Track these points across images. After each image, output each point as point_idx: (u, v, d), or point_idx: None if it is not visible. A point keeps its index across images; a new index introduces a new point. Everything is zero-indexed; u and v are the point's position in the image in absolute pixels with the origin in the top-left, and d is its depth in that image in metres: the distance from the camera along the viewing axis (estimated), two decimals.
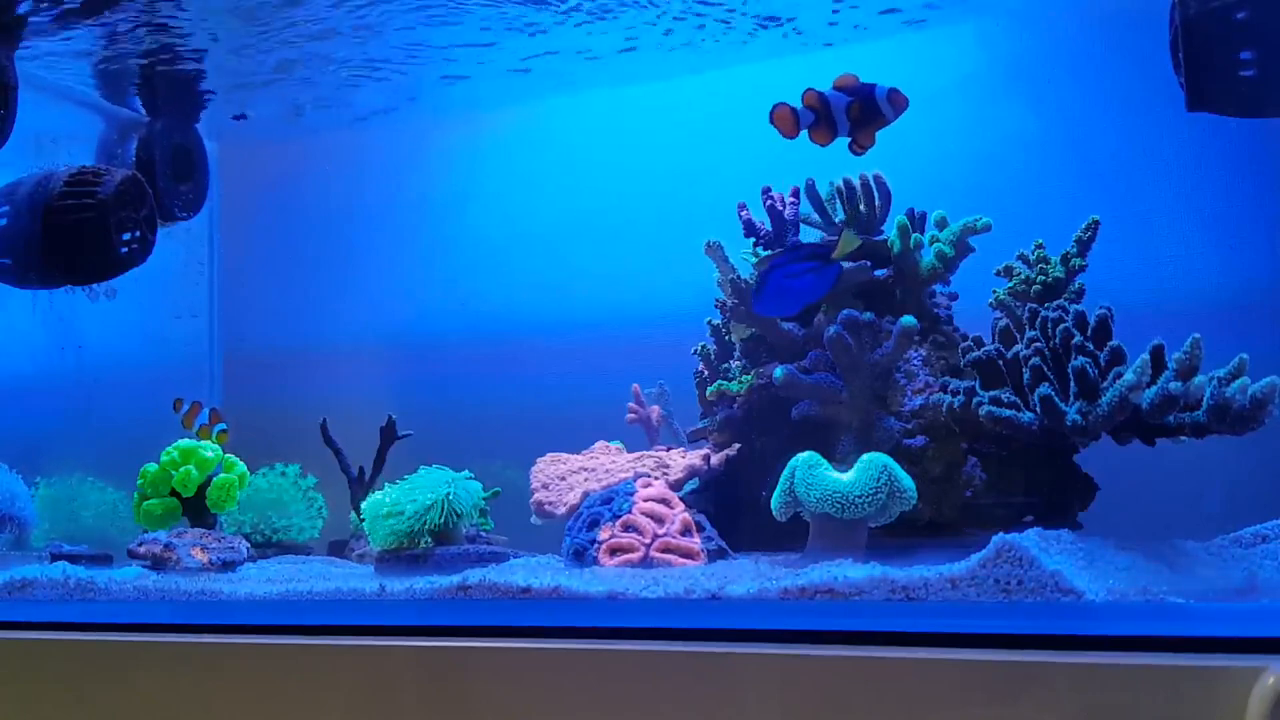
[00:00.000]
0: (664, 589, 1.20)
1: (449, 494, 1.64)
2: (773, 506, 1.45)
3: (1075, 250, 1.62)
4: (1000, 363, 1.48)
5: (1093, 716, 0.92)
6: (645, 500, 1.52)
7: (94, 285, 2.04)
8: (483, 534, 1.83)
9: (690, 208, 2.10)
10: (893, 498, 1.39)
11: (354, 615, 1.32)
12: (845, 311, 1.60)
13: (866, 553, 1.37)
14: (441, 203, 2.47)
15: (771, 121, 1.55)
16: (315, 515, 2.16)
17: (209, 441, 1.98)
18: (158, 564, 1.66)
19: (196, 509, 1.87)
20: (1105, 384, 1.38)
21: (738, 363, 1.79)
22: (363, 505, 1.70)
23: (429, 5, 1.88)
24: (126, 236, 1.89)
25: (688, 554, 1.46)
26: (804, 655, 1.02)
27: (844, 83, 1.53)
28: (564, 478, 1.79)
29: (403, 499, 1.65)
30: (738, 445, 1.72)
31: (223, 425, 2.06)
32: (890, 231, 1.73)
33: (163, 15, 1.89)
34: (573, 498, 1.70)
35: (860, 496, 1.38)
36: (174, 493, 1.86)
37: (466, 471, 1.72)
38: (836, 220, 1.80)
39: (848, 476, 1.40)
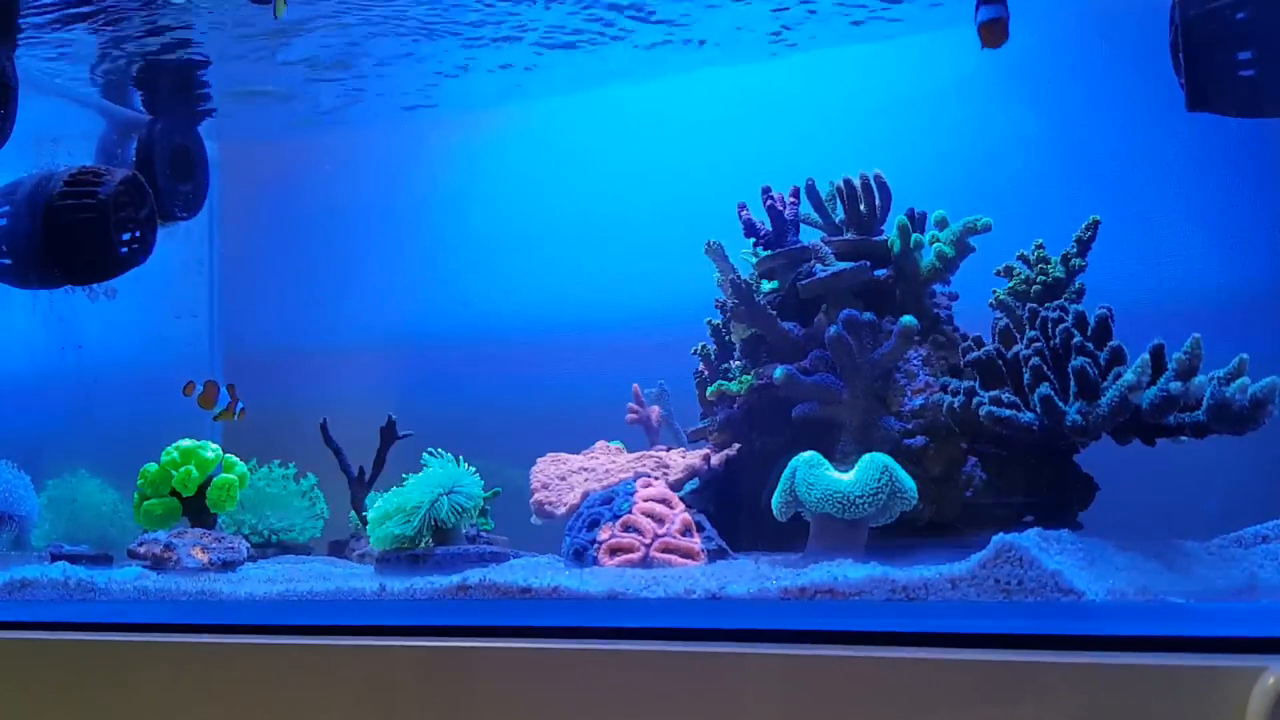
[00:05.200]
0: (664, 589, 1.20)
1: (445, 496, 1.64)
2: (773, 506, 1.45)
3: (1075, 250, 1.62)
4: (1000, 363, 1.48)
5: (1093, 716, 0.92)
6: (645, 500, 1.52)
7: (94, 285, 2.03)
8: (483, 534, 1.84)
9: (690, 208, 2.10)
10: (893, 498, 1.39)
11: (354, 615, 1.32)
12: (845, 311, 1.60)
13: (867, 553, 1.37)
14: (441, 203, 2.47)
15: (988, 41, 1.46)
16: (315, 515, 2.16)
17: (232, 420, 1.99)
18: (158, 564, 1.66)
19: (196, 509, 1.87)
20: (1105, 384, 1.38)
21: (738, 363, 1.79)
22: (367, 506, 1.71)
23: (431, 4, 1.88)
24: (126, 236, 1.89)
25: (688, 554, 1.46)
26: (804, 655, 1.02)
27: None
28: (564, 478, 1.79)
29: (404, 500, 1.65)
30: (738, 445, 1.72)
31: (240, 404, 2.06)
32: (890, 231, 1.73)
33: (163, 14, 1.89)
34: (573, 498, 1.71)
35: (861, 496, 1.38)
36: (174, 493, 1.86)
37: (462, 464, 1.72)
38: (836, 220, 1.80)
39: (849, 476, 1.40)
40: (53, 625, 1.36)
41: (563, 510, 1.71)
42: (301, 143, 2.55)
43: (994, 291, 1.66)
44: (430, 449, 1.73)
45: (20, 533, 1.95)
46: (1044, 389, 1.38)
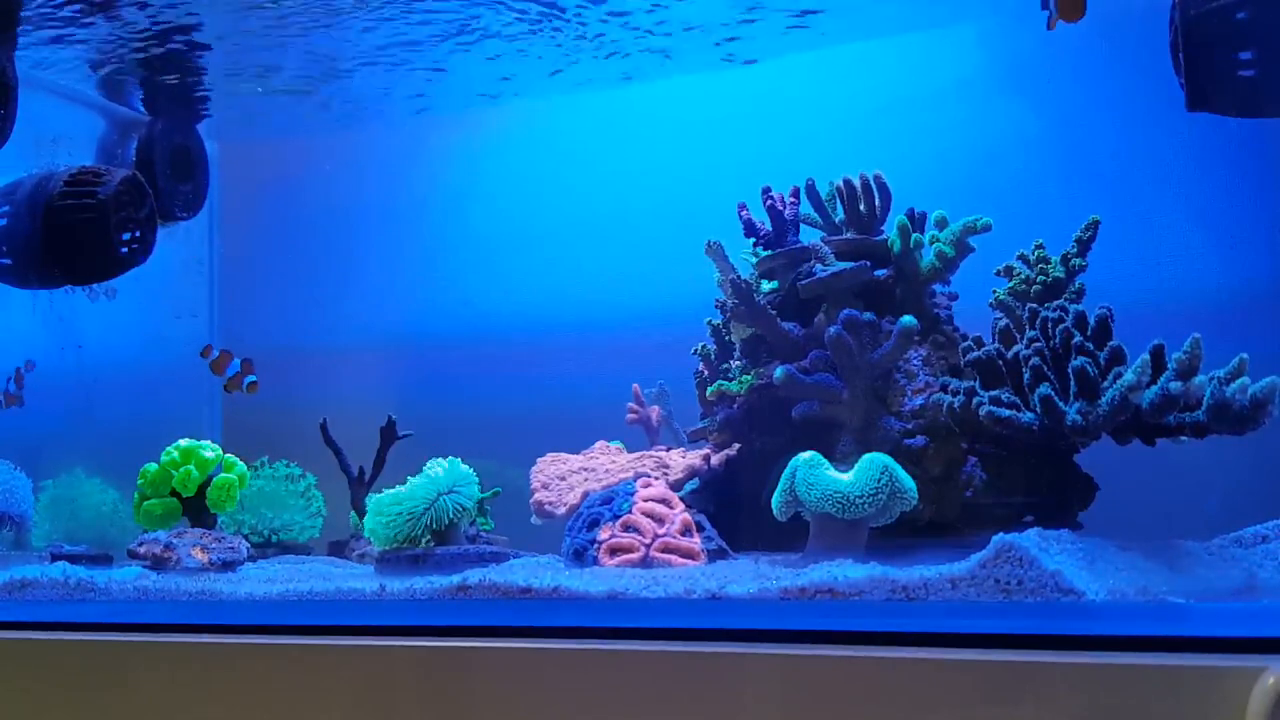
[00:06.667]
0: (664, 589, 1.20)
1: (444, 496, 1.64)
2: (773, 506, 1.45)
3: (1075, 250, 1.62)
4: (1000, 363, 1.48)
5: (1093, 716, 0.92)
6: (645, 500, 1.52)
7: (94, 285, 2.04)
8: (483, 534, 1.84)
9: (690, 208, 2.10)
10: (893, 498, 1.39)
11: (354, 615, 1.32)
12: (845, 311, 1.60)
13: (866, 553, 1.37)
14: (441, 203, 2.47)
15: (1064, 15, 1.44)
16: (314, 514, 2.16)
17: (237, 391, 2.02)
18: (158, 564, 1.66)
19: (196, 509, 1.87)
20: (1105, 384, 1.38)
21: (738, 363, 1.79)
22: (367, 501, 1.71)
23: (430, 7, 1.88)
24: (126, 236, 1.89)
25: (688, 554, 1.46)
26: (804, 655, 1.02)
27: None
28: (564, 478, 1.79)
29: (404, 499, 1.65)
30: (738, 445, 1.72)
31: (253, 377, 2.09)
32: (890, 231, 1.73)
33: (164, 14, 1.89)
34: (573, 498, 1.71)
35: (861, 496, 1.38)
36: (174, 493, 1.86)
37: (461, 466, 1.72)
38: (836, 220, 1.80)
39: (848, 476, 1.40)
40: (53, 625, 1.36)
41: (563, 510, 1.71)
42: (301, 143, 2.56)
43: (994, 291, 1.66)
44: (439, 459, 1.73)
45: (20, 533, 1.95)
46: (1044, 389, 1.38)
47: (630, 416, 2.00)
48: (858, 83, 2.11)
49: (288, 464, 2.18)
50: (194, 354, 2.53)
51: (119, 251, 1.88)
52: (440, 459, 1.72)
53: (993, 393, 1.47)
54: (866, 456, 1.42)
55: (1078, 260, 1.61)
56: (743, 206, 1.78)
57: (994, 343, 1.51)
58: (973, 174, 1.96)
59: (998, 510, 1.54)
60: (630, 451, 1.86)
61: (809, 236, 1.79)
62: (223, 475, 1.88)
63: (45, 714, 1.30)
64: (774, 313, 1.72)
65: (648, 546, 1.45)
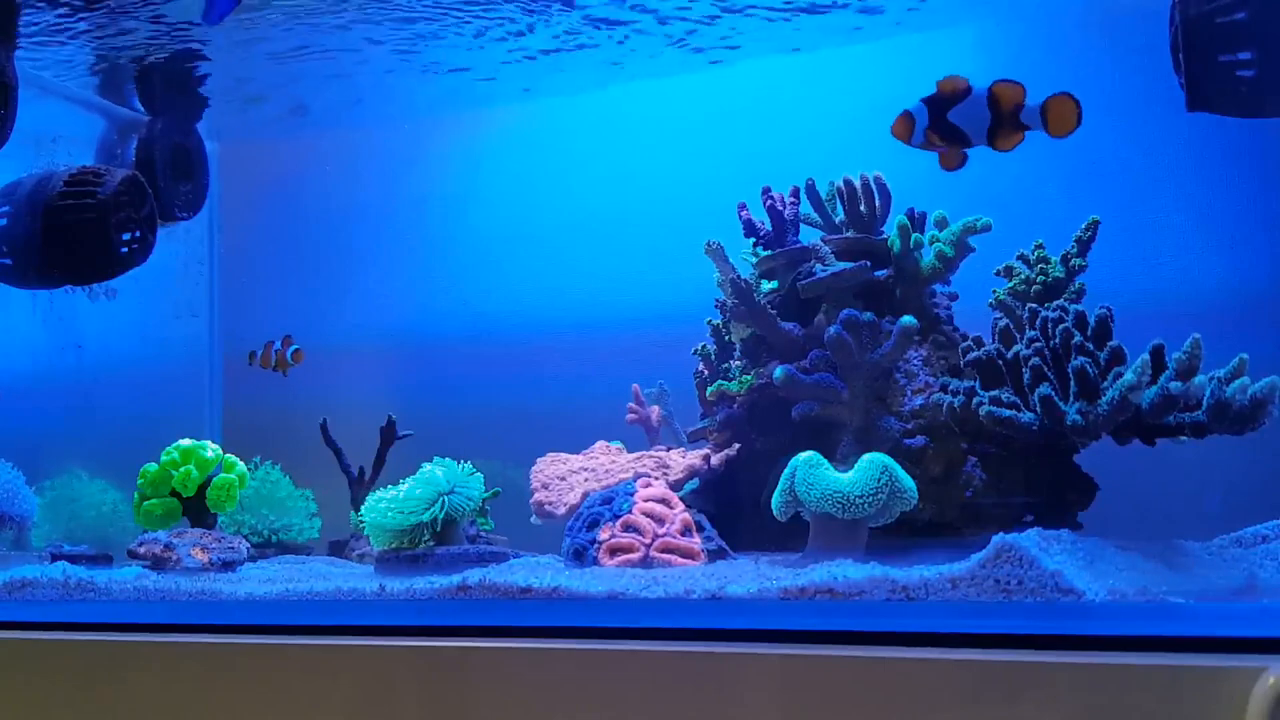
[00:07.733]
0: (664, 589, 1.20)
1: (448, 496, 1.64)
2: (773, 506, 1.45)
3: (1075, 250, 1.62)
4: (1000, 363, 1.48)
5: (1093, 716, 0.92)
6: (645, 500, 1.52)
7: (94, 285, 2.04)
8: (483, 534, 1.84)
9: (690, 208, 2.10)
10: (893, 498, 1.39)
11: (354, 615, 1.32)
12: (845, 311, 1.60)
13: (866, 553, 1.37)
14: (441, 203, 2.47)
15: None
16: (313, 515, 2.15)
17: (287, 367, 2.08)
18: (158, 564, 1.66)
19: (196, 509, 1.87)
20: (1105, 384, 1.38)
21: (738, 363, 1.79)
22: (364, 503, 1.71)
23: (428, 6, 1.88)
24: (126, 236, 1.89)
25: (688, 554, 1.46)
26: (804, 655, 1.02)
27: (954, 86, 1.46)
28: (564, 478, 1.79)
29: (403, 498, 1.65)
30: (738, 445, 1.72)
31: (295, 346, 2.14)
32: (890, 231, 1.73)
33: (163, 13, 1.89)
34: (573, 498, 1.71)
35: (861, 496, 1.38)
36: (174, 493, 1.86)
37: (468, 466, 1.72)
38: (836, 220, 1.80)
39: (848, 476, 1.40)
40: (53, 625, 1.36)
41: (563, 510, 1.71)
42: (301, 143, 2.56)
43: (994, 291, 1.66)
44: (438, 458, 1.73)
45: (20, 533, 1.95)
46: (1044, 389, 1.38)
47: (630, 416, 2.00)
48: (858, 83, 2.10)
49: (276, 465, 2.18)
50: (194, 354, 2.55)
51: (119, 251, 1.88)
52: (429, 463, 1.71)
53: (993, 393, 1.47)
54: (866, 456, 1.42)
55: (1078, 260, 1.61)
56: (743, 206, 1.78)
57: (994, 343, 1.51)
58: (972, 174, 1.96)
59: (998, 510, 1.54)
60: (630, 451, 1.86)
61: (809, 236, 1.79)
62: (223, 475, 1.88)
63: (45, 714, 1.30)
64: (774, 313, 1.72)
65: (648, 546, 1.46)
